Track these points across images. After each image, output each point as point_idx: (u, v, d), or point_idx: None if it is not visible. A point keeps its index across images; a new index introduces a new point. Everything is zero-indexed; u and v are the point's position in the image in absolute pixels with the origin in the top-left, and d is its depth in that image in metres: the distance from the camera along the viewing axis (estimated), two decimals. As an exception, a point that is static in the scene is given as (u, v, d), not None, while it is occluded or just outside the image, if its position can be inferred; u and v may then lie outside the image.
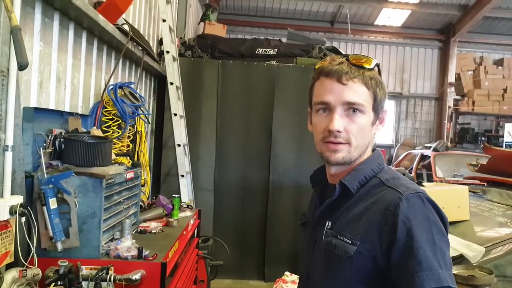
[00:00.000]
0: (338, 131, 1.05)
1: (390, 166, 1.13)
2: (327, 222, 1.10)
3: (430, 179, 7.27)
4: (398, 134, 12.18)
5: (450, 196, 3.02)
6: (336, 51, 5.15)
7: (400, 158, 9.39)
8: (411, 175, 6.71)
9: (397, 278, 0.94)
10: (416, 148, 9.66)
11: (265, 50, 5.03)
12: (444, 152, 7.85)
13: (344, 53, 5.58)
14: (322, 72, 1.10)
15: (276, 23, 10.89)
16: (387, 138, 12.11)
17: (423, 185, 3.27)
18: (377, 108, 1.10)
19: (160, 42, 4.35)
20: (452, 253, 2.28)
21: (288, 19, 11.10)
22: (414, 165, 8.16)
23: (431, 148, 8.07)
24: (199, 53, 4.88)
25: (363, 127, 1.08)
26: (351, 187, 1.07)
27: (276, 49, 5.03)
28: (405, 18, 11.06)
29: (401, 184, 1.03)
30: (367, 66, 1.08)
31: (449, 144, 8.68)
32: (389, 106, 12.18)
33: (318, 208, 1.17)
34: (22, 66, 1.45)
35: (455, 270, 1.69)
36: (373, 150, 1.17)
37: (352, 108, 1.06)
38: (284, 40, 5.56)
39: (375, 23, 11.43)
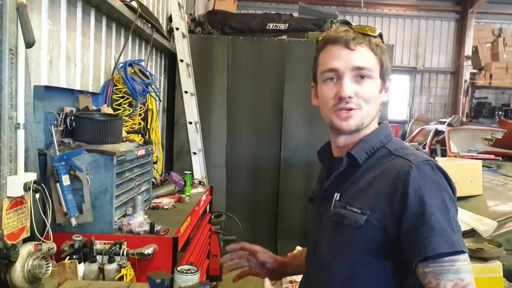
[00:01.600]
0: (349, 97, 1.03)
1: (402, 140, 1.12)
2: (335, 194, 1.08)
3: (444, 155, 7.20)
4: (412, 109, 11.97)
5: (463, 171, 3.00)
6: (348, 24, 5.03)
7: (414, 133, 9.28)
8: (424, 150, 6.64)
9: (408, 245, 0.93)
10: (430, 124, 9.53)
11: (275, 25, 4.95)
12: (459, 127, 7.74)
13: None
14: (329, 40, 1.08)
15: (288, -3, 10.66)
16: (401, 114, 11.92)
17: (435, 160, 3.25)
18: (383, 75, 1.10)
19: (170, 19, 4.31)
20: (464, 227, 2.28)
21: (300, -7, 10.86)
22: (428, 141, 8.07)
23: (446, 123, 7.96)
24: (209, 29, 4.84)
25: (373, 93, 1.07)
26: (358, 158, 1.06)
27: (287, 24, 4.94)
28: (421, -11, 10.73)
29: (411, 153, 1.02)
30: (372, 34, 1.08)
31: (464, 119, 8.53)
32: (403, 81, 11.96)
33: (326, 182, 1.15)
34: (29, 44, 1.46)
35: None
36: (380, 123, 1.16)
37: (360, 74, 1.05)
38: (295, 14, 5.47)
39: (390, -5, 11.12)
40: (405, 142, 9.32)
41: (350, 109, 1.05)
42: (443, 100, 12.04)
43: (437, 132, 8.12)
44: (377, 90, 1.08)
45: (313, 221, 1.20)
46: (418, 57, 11.83)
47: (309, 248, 1.22)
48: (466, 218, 2.41)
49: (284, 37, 4.83)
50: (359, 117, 1.06)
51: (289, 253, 1.96)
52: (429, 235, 0.90)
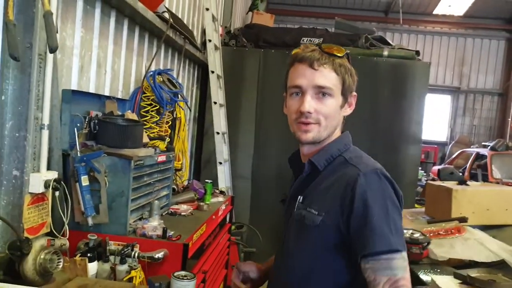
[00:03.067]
0: (309, 112, 1.15)
1: (358, 149, 1.29)
2: (299, 196, 1.22)
3: (485, 180, 6.90)
4: (454, 131, 11.53)
5: (498, 198, 2.85)
6: (383, 41, 4.98)
7: (454, 156, 8.96)
8: (461, 174, 6.37)
9: (355, 243, 1.06)
10: (472, 147, 9.16)
11: (310, 40, 4.95)
12: (504, 151, 7.40)
13: (393, 44, 5.37)
14: (296, 58, 1.20)
15: (326, 13, 10.63)
16: (441, 135, 11.52)
17: (467, 184, 3.11)
18: (345, 92, 1.21)
19: (205, 32, 4.43)
20: (493, 257, 2.15)
21: (339, 9, 10.85)
22: (468, 164, 7.77)
23: (489, 147, 7.62)
24: (243, 42, 4.92)
25: (332, 109, 1.18)
26: (318, 165, 1.20)
27: (322, 39, 4.94)
28: (468, 6, 10.28)
29: (362, 162, 1.15)
30: (337, 54, 1.18)
31: (510, 144, 8.12)
32: (445, 101, 11.58)
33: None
34: (52, 49, 1.55)
35: (475, 273, 1.61)
36: (343, 132, 1.28)
37: (321, 91, 1.16)
38: (332, 30, 5.46)
39: (434, 12, 10.86)
40: (443, 164, 8.97)
41: (309, 123, 1.17)
42: (489, 123, 11.51)
43: (479, 156, 7.79)
44: (337, 106, 1.20)
45: (284, 219, 1.36)
46: (462, 76, 11.42)
47: (279, 245, 1.37)
48: (496, 249, 2.28)
49: (317, 51, 4.82)
50: (317, 131, 1.18)
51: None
52: (370, 235, 1.03)
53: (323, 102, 1.17)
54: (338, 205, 1.10)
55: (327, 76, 1.16)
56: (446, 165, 7.79)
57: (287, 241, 1.29)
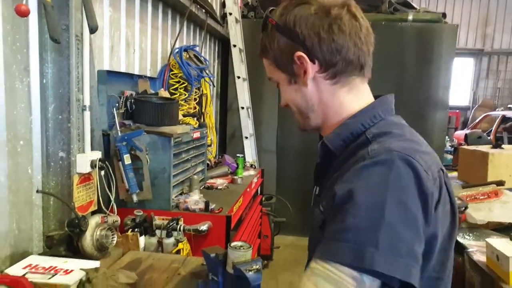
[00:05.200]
0: (285, 106, 0.96)
1: (399, 122, 0.89)
2: (315, 187, 0.98)
3: (511, 143, 6.80)
4: (477, 94, 11.23)
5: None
6: (407, 4, 4.82)
7: (477, 120, 8.81)
8: (489, 138, 6.28)
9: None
10: (497, 110, 8.97)
11: (329, 7, 4.85)
12: (531, 112, 7.26)
13: (417, 7, 5.21)
14: None
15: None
16: (463, 99, 11.24)
17: (502, 147, 3.08)
18: (280, 65, 0.91)
19: (223, 5, 4.37)
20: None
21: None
22: (494, 128, 7.64)
23: (516, 109, 7.49)
24: (262, 14, 4.84)
25: (287, 94, 0.93)
26: (332, 147, 0.88)
27: (341, 6, 4.83)
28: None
29: (383, 141, 0.79)
30: (262, 38, 0.94)
31: (538, 104, 7.94)
32: (467, 64, 11.23)
33: None
34: (92, 29, 1.56)
35: None
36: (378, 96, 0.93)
37: (274, 83, 0.96)
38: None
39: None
40: (466, 129, 8.80)
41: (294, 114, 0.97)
42: (513, 84, 11.21)
43: (504, 119, 7.65)
44: (289, 86, 0.92)
45: None
46: (486, 37, 11.00)
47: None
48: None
49: (338, 19, 4.72)
50: (299, 119, 0.96)
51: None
52: (339, 236, 0.69)
53: (281, 91, 0.95)
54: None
55: (266, 67, 0.95)
56: (473, 130, 7.68)
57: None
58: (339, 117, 0.90)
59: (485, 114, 8.66)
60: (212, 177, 2.77)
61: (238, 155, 3.10)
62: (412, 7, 4.82)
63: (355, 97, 0.90)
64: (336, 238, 0.69)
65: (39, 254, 1.57)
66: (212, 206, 2.10)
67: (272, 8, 0.91)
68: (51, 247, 1.58)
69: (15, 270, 1.32)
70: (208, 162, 2.95)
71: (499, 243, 1.60)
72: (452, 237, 0.82)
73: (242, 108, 4.10)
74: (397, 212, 0.69)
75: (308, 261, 0.84)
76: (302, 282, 0.71)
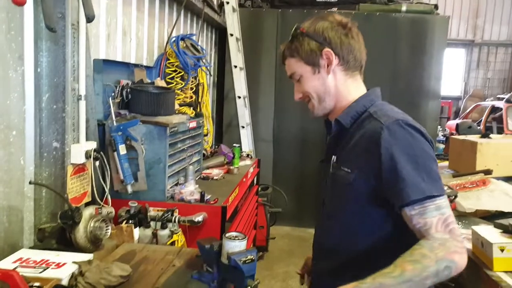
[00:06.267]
0: (299, 98, 1.28)
1: (386, 103, 1.28)
2: (333, 156, 1.25)
3: (500, 132, 6.85)
4: (468, 85, 11.26)
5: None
6: (402, -5, 4.81)
7: (468, 110, 8.85)
8: (478, 127, 6.32)
9: (390, 195, 1.09)
10: (486, 100, 9.02)
11: (326, -3, 4.83)
12: (519, 103, 7.30)
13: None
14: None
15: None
16: (454, 90, 11.26)
17: (490, 137, 3.10)
18: (311, 61, 1.23)
19: (220, -7, 4.33)
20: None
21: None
22: (484, 118, 7.69)
23: (504, 99, 7.51)
24: (258, 3, 4.80)
25: (310, 84, 1.24)
26: (344, 122, 1.22)
27: (339, -4, 4.81)
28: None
29: (384, 115, 1.15)
30: (289, 42, 1.26)
31: (526, 95, 7.97)
32: (459, 55, 11.26)
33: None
34: (89, 18, 1.53)
35: None
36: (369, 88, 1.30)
37: (294, 78, 1.27)
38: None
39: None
40: (458, 119, 8.88)
41: (309, 103, 1.27)
42: (502, 75, 11.21)
43: (494, 109, 7.70)
44: (310, 77, 1.24)
45: (323, 179, 1.37)
46: (477, 29, 11.02)
47: (320, 207, 1.39)
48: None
49: (334, 9, 4.70)
50: (317, 106, 1.26)
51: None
52: (402, 186, 1.04)
53: (301, 85, 1.26)
54: (366, 161, 1.12)
55: (289, 66, 1.27)
56: (464, 119, 7.71)
57: (326, 200, 1.31)
58: (346, 101, 1.24)
59: (475, 104, 8.70)
60: (208, 167, 2.77)
61: (234, 145, 3.09)
62: (406, -2, 4.83)
63: (356, 87, 1.26)
64: (402, 187, 1.04)
65: (30, 248, 1.55)
66: (207, 196, 2.09)
67: (297, 24, 1.26)
68: (43, 240, 1.57)
69: (5, 264, 1.31)
70: (204, 152, 2.94)
71: (484, 230, 1.62)
72: None
73: (239, 97, 4.08)
74: (423, 155, 1.07)
75: (323, 209, 1.31)
76: (424, 229, 1.03)
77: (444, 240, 1.01)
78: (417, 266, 0.96)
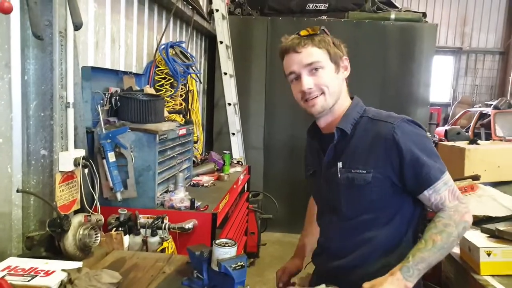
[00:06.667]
0: (309, 88, 1.30)
1: (372, 107, 1.45)
2: (338, 163, 1.33)
3: (488, 138, 6.95)
4: (456, 91, 11.46)
5: (508, 155, 2.89)
6: (390, 3, 4.88)
7: (457, 116, 8.98)
8: (467, 134, 6.41)
9: (415, 183, 1.26)
10: (475, 106, 9.16)
11: (315, 5, 4.87)
12: (506, 110, 7.41)
13: (399, 6, 5.28)
14: (282, 51, 1.35)
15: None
16: (443, 96, 11.45)
17: (478, 143, 3.14)
18: (335, 59, 1.33)
19: (210, 1, 4.35)
20: (507, 212, 2.21)
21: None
22: (472, 124, 7.81)
23: (491, 106, 7.64)
24: (248, 10, 4.83)
25: (328, 77, 1.31)
26: (346, 129, 1.33)
27: (327, 4, 4.86)
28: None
29: (387, 116, 1.31)
30: (312, 33, 1.32)
31: (512, 102, 8.10)
32: (447, 62, 11.45)
33: (322, 155, 1.41)
34: (77, 26, 1.53)
35: (502, 226, 1.65)
36: (352, 98, 1.42)
37: (313, 67, 1.30)
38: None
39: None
40: (447, 125, 9.02)
41: (314, 97, 1.31)
42: (490, 82, 11.45)
43: (482, 115, 7.82)
44: (331, 73, 1.32)
45: (321, 187, 1.43)
46: (464, 36, 11.25)
47: (324, 211, 1.47)
48: (510, 204, 2.33)
49: (324, 17, 4.75)
50: (323, 100, 1.32)
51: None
52: (427, 171, 1.24)
53: (318, 75, 1.30)
54: (384, 159, 1.26)
55: (311, 53, 1.30)
56: (453, 126, 7.82)
57: (337, 205, 1.36)
58: (342, 105, 1.37)
59: (464, 111, 8.83)
60: (198, 174, 2.76)
61: (224, 151, 3.09)
62: (394, 6, 4.91)
63: (347, 93, 1.41)
64: (428, 172, 1.23)
65: (19, 256, 1.53)
66: (197, 203, 2.09)
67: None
68: (31, 248, 1.55)
69: (-7, 272, 1.29)
70: (194, 159, 2.94)
71: (471, 235, 1.64)
72: None
73: (229, 104, 4.09)
74: (427, 141, 1.30)
75: (331, 216, 1.41)
76: (440, 202, 1.26)
77: (455, 206, 1.25)
78: (444, 235, 1.18)
